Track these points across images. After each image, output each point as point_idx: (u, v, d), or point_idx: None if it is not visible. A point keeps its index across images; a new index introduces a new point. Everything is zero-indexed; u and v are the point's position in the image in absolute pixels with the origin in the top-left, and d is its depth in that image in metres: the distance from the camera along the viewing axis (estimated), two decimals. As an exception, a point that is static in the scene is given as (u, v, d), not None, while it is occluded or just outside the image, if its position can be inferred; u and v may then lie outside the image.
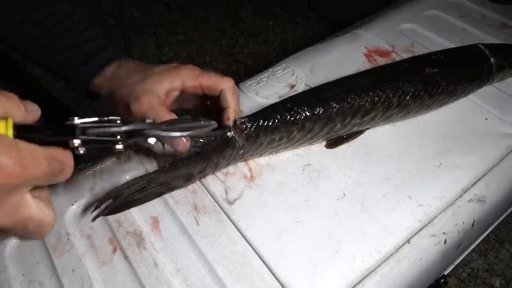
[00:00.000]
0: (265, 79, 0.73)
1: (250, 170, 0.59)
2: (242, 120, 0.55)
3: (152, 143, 0.35)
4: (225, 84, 0.52)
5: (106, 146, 0.33)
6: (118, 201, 0.51)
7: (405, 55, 0.76)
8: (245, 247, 0.51)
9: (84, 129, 0.31)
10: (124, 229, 0.53)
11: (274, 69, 0.76)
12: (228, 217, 0.54)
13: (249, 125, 0.55)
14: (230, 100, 0.52)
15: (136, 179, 0.52)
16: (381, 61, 0.76)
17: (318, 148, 0.62)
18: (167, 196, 0.56)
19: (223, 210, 0.55)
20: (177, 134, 0.36)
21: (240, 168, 0.59)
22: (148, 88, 0.50)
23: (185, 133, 0.37)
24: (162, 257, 0.51)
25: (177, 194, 0.56)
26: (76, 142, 0.31)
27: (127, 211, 0.55)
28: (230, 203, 0.55)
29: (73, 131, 0.31)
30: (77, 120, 0.31)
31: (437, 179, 0.57)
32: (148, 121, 0.35)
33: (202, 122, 0.38)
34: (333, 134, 0.61)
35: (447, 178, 0.58)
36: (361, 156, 0.61)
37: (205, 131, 0.38)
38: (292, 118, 0.56)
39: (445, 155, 0.60)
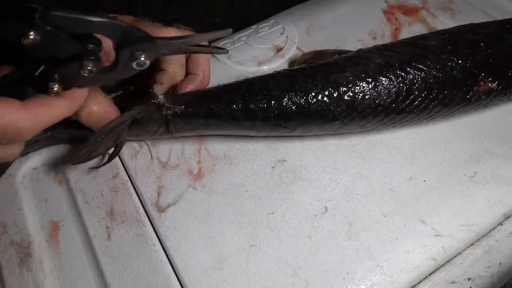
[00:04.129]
0: (244, 39, 0.55)
1: (199, 161, 0.42)
2: (173, 107, 0.39)
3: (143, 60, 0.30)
4: (161, 34, 0.35)
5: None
6: None
7: (440, 14, 0.56)
8: (169, 278, 0.35)
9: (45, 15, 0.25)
10: (9, 237, 0.38)
11: (259, 26, 0.57)
12: (155, 230, 0.38)
13: (178, 119, 0.39)
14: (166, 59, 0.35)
15: None
16: (405, 20, 0.55)
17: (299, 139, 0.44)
18: (76, 192, 0.40)
19: (149, 220, 0.39)
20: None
21: (186, 158, 0.43)
22: None
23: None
24: (50, 284, 0.35)
25: (91, 190, 0.40)
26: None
27: (20, 211, 0.40)
28: (161, 210, 0.39)
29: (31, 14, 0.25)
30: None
31: (468, 197, 0.39)
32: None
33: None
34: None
35: (482, 195, 0.39)
36: (359, 153, 0.43)
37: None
38: (247, 122, 0.40)
39: (483, 161, 0.41)
